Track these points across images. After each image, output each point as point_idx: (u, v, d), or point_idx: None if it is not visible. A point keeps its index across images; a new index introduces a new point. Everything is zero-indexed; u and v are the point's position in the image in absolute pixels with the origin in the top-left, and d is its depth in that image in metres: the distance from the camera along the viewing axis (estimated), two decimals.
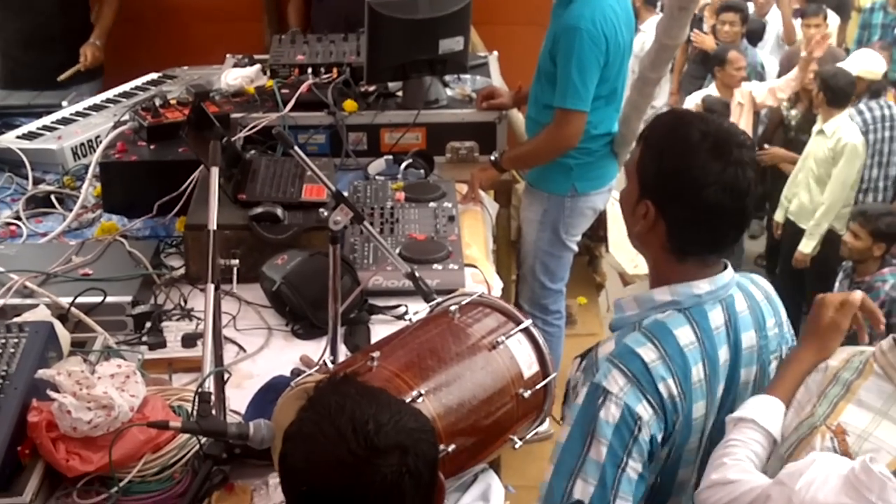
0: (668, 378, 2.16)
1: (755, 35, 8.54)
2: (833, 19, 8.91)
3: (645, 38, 8.19)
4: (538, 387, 2.43)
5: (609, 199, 4.75)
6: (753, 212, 2.27)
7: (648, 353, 2.17)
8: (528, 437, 2.43)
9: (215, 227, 2.46)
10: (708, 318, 2.23)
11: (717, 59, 7.63)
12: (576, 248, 4.65)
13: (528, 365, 2.44)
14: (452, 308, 2.50)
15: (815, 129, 6.77)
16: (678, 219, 2.19)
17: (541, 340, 2.49)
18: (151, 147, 3.84)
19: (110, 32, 5.43)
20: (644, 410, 2.14)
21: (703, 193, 2.13)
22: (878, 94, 6.99)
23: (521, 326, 2.48)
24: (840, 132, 6.54)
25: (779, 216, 6.99)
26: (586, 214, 4.54)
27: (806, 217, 6.70)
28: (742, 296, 2.31)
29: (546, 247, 4.55)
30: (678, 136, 2.19)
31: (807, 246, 6.57)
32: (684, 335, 2.20)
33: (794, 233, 6.77)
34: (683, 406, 2.18)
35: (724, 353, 2.25)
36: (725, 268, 2.28)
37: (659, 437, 2.18)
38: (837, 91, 6.58)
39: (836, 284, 5.98)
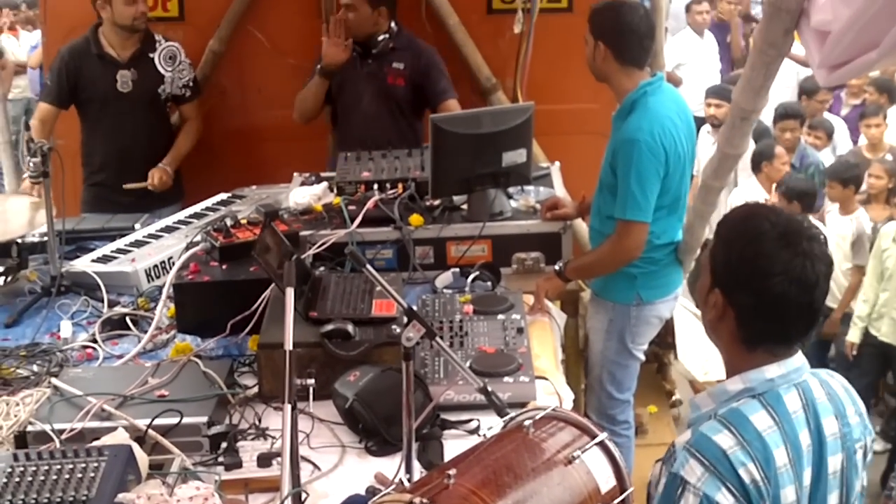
0: (749, 463, 2.16)
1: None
2: None
3: None
4: (616, 502, 2.41)
5: (675, 307, 4.74)
6: (823, 306, 2.28)
7: (725, 439, 2.18)
8: None
9: (291, 348, 2.49)
10: (783, 402, 2.23)
11: (765, 155, 7.60)
12: (643, 357, 4.63)
13: (605, 479, 2.42)
14: (526, 423, 2.51)
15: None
16: (745, 307, 2.23)
17: (617, 454, 2.48)
18: (223, 267, 3.91)
19: (183, 160, 5.58)
20: (724, 498, 2.14)
21: (770, 282, 2.18)
22: None
23: (597, 440, 2.47)
24: None
25: (853, 336, 6.63)
26: (652, 323, 4.53)
27: None
28: (818, 383, 2.31)
29: (613, 356, 4.54)
30: (748, 226, 2.26)
31: None
32: (761, 420, 2.20)
33: (882, 353, 6.52)
34: (769, 491, 2.17)
35: (805, 438, 2.24)
36: (797, 352, 2.30)
37: None
38: None
39: None
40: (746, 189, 7.63)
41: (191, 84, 5.54)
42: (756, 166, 7.61)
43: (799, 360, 2.28)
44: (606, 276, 4.44)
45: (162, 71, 5.45)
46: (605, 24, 4.24)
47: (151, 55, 5.44)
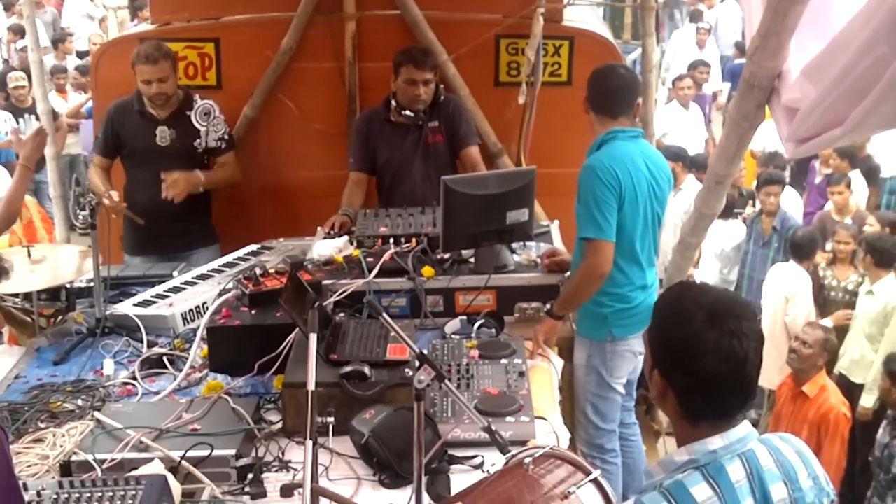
0: None
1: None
2: (862, 186, 8.90)
3: (683, 195, 8.28)
4: None
5: None
6: (756, 379, 2.17)
7: None
8: None
9: (313, 388, 2.49)
10: (726, 473, 2.13)
11: (818, 245, 7.44)
12: (622, 390, 4.60)
13: None
14: (526, 460, 2.50)
15: (863, 289, 6.70)
16: (682, 387, 2.15)
17: (609, 490, 2.47)
18: (252, 312, 3.91)
19: (213, 187, 5.49)
20: None
21: (701, 363, 2.09)
22: None
23: (591, 477, 2.46)
24: (889, 294, 6.48)
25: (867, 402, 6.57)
26: (627, 357, 4.52)
27: (859, 371, 6.55)
28: (765, 450, 2.20)
29: (594, 389, 4.54)
30: (677, 307, 2.18)
31: (867, 401, 6.37)
32: (701, 492, 2.10)
33: (845, 386, 6.51)
34: None
35: None
36: (741, 422, 2.20)
37: None
38: (884, 253, 6.55)
39: (881, 431, 5.83)
40: (787, 270, 7.35)
41: (225, 137, 5.49)
42: (805, 255, 7.23)
43: (743, 429, 2.18)
44: (584, 315, 4.45)
45: (197, 126, 5.41)
46: (588, 82, 4.45)
47: (188, 112, 5.41)
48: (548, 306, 4.32)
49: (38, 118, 7.34)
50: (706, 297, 2.16)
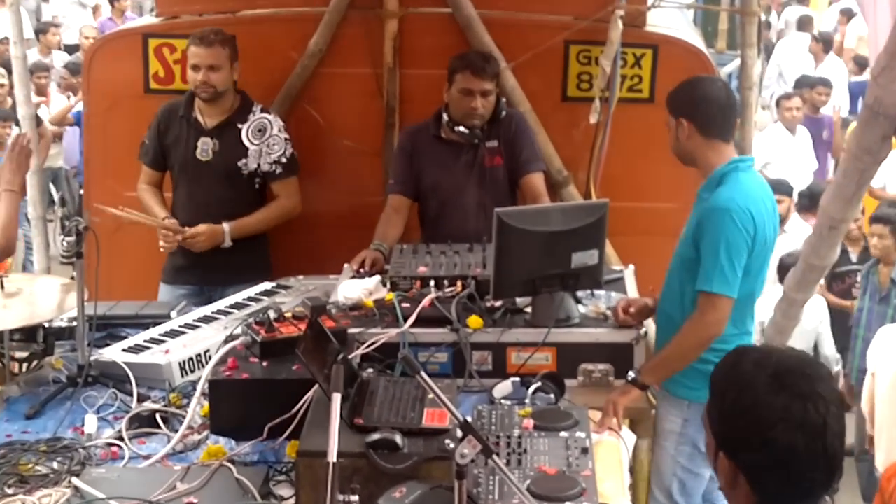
0: None
1: None
2: None
3: (788, 238, 8.28)
4: None
5: None
6: (841, 451, 2.16)
7: None
8: None
9: (335, 459, 2.50)
10: None
11: None
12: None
13: None
14: None
15: None
16: (753, 467, 2.14)
17: None
18: (264, 364, 3.91)
19: (262, 229, 5.59)
20: None
21: (771, 434, 2.09)
22: None
23: None
24: None
25: None
26: None
27: None
28: None
29: (686, 462, 4.49)
30: (735, 373, 2.19)
31: None
32: None
33: None
34: None
35: None
36: None
37: None
38: None
39: None
40: None
41: (283, 161, 5.51)
42: None
43: None
44: (681, 373, 4.37)
45: (247, 143, 5.44)
46: (683, 99, 4.35)
47: (240, 125, 5.45)
48: (630, 375, 4.26)
49: (17, 123, 7.48)
50: (768, 358, 2.18)
